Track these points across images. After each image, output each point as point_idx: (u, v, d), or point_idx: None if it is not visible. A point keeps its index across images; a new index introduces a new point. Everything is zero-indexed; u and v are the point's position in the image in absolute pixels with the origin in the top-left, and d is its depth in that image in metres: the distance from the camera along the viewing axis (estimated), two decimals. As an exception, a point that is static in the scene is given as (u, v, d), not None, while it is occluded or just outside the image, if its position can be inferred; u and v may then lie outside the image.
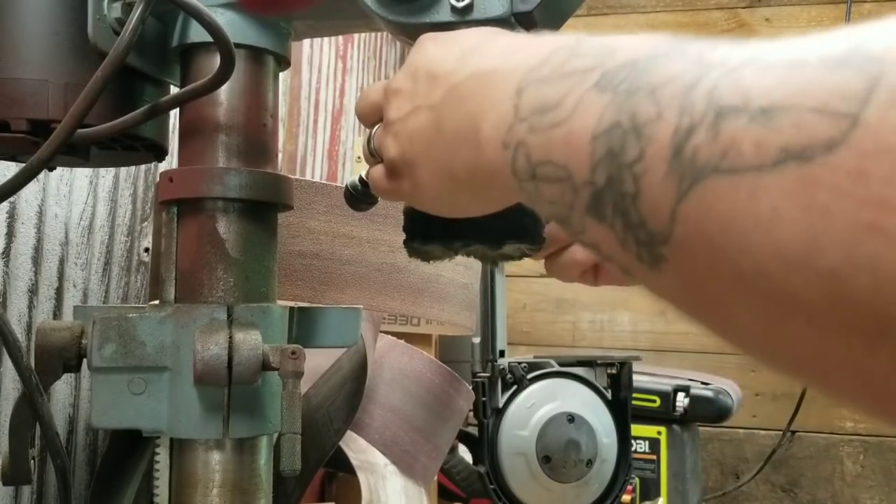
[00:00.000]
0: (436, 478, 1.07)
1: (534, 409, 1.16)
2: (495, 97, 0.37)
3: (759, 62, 0.26)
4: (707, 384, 1.62)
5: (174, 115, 0.60)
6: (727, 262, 0.25)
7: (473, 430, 1.19)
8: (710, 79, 0.26)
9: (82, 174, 0.88)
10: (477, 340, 1.24)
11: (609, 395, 1.20)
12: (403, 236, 0.53)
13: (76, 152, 0.57)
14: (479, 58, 0.41)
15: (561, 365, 1.20)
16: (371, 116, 0.51)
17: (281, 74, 0.60)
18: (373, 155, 0.51)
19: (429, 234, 0.52)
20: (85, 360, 0.53)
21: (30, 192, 0.81)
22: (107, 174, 0.93)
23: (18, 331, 0.71)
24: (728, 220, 0.25)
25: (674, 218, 0.27)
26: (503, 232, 0.51)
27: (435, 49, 0.45)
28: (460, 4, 0.50)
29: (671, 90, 0.27)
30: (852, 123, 0.22)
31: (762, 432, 2.10)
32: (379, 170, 0.50)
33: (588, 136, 0.30)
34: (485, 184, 0.40)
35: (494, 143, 0.36)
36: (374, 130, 0.51)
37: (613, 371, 1.21)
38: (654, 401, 1.56)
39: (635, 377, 1.25)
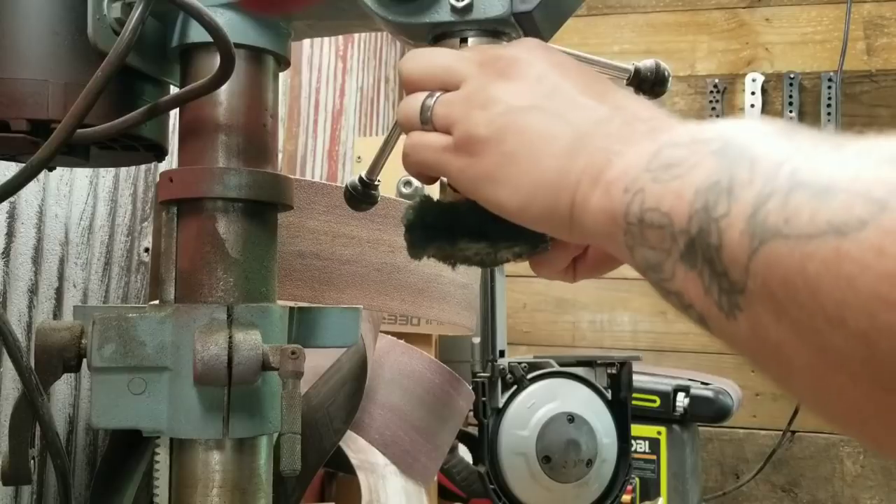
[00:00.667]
0: (436, 478, 1.08)
1: (534, 409, 1.16)
2: (636, 152, 0.39)
3: (836, 152, 0.30)
4: (707, 384, 1.62)
5: (174, 115, 0.60)
6: (787, 316, 0.29)
7: (473, 430, 1.19)
8: (797, 159, 0.31)
9: (82, 174, 0.88)
10: (477, 340, 1.24)
11: (609, 395, 1.20)
12: (403, 235, 0.52)
13: (76, 152, 0.57)
14: (633, 112, 0.42)
15: (561, 365, 1.20)
16: (433, 80, 0.48)
17: (281, 74, 0.60)
18: (425, 122, 0.48)
19: (436, 233, 0.51)
20: (85, 360, 0.53)
21: (30, 192, 0.81)
22: (107, 174, 0.93)
23: (18, 331, 0.71)
24: (785, 279, 0.28)
25: (747, 271, 0.30)
26: (518, 235, 0.50)
27: (558, 65, 0.46)
28: (460, 4, 0.50)
29: (766, 163, 0.32)
30: (881, 208, 0.26)
31: (762, 432, 2.10)
32: (436, 139, 0.47)
33: (693, 190, 0.34)
34: (591, 217, 0.41)
35: (618, 186, 0.39)
36: (435, 96, 0.48)
37: (613, 371, 1.21)
38: (654, 401, 1.56)
39: (635, 377, 1.25)
